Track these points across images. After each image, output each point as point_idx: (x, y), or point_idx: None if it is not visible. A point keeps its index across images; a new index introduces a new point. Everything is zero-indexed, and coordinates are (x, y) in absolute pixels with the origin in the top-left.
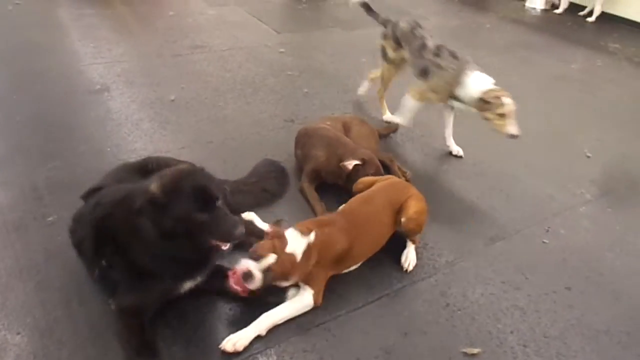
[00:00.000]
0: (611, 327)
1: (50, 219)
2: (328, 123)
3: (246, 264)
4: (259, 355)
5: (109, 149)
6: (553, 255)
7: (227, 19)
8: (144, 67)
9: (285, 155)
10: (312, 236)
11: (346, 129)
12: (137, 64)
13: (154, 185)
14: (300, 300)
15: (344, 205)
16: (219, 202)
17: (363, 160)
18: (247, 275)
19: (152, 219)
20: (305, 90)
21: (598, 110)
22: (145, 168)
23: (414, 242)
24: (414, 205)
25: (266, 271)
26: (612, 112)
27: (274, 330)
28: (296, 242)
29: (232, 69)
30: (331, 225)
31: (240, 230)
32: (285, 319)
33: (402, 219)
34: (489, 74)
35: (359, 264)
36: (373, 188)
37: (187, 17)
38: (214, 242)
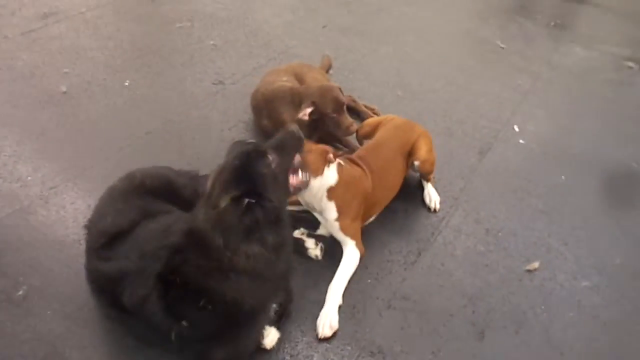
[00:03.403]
0: None
1: (20, 293)
2: (284, 79)
3: None
4: None
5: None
6: None
7: None
8: None
9: (240, 124)
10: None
11: (299, 79)
12: None
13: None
14: (349, 257)
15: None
16: None
17: (314, 103)
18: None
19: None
20: (212, 42)
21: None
22: (148, 187)
23: (429, 180)
24: (425, 145)
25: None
26: None
27: None
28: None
29: (111, 34)
30: (358, 164)
31: None
32: (348, 279)
33: (416, 162)
34: None
35: (376, 216)
36: (380, 134)
37: None
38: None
